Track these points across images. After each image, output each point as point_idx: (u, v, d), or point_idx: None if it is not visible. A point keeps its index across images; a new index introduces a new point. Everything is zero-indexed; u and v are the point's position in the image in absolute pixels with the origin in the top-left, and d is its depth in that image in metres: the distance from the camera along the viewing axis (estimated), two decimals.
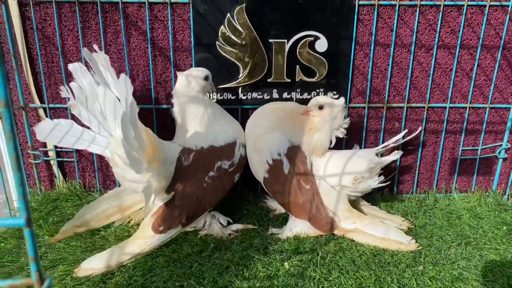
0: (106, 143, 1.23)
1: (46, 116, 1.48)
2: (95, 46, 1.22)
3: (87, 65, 1.20)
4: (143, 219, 1.32)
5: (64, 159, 1.55)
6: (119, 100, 1.14)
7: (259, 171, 1.35)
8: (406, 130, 1.47)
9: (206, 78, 1.30)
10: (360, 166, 1.32)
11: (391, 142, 1.44)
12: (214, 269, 1.16)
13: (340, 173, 1.32)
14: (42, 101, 1.48)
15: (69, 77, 1.33)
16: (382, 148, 1.43)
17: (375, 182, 1.33)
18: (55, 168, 1.55)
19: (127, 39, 1.41)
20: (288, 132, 1.34)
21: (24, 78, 1.45)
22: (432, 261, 1.22)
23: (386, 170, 1.43)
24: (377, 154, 1.41)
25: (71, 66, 1.22)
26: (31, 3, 1.35)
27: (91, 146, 1.23)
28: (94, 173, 1.56)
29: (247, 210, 1.49)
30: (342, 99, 1.33)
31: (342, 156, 1.36)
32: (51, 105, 1.47)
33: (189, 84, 1.28)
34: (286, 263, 1.18)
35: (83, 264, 1.13)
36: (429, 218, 1.45)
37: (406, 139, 1.46)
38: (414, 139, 1.55)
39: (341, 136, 1.36)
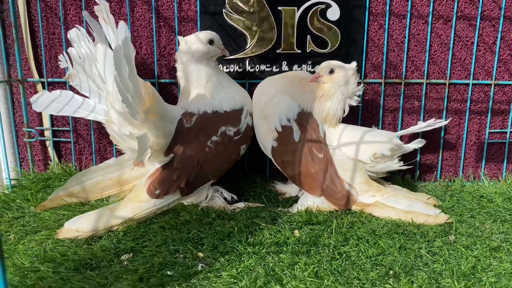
0: (105, 111, 1.16)
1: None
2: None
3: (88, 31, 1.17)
4: None
5: (61, 139, 1.46)
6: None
7: (267, 140, 1.23)
8: (433, 120, 1.34)
9: (210, 41, 1.22)
10: (381, 144, 1.20)
11: (416, 129, 1.31)
12: (214, 236, 1.02)
13: (357, 142, 1.20)
14: (41, 76, 1.41)
15: (66, 52, 1.28)
16: (404, 133, 1.31)
17: (395, 164, 1.20)
18: (50, 150, 1.46)
19: (131, 8, 1.36)
20: (298, 97, 1.23)
21: (24, 52, 1.39)
22: (465, 233, 1.06)
23: (405, 158, 1.30)
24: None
25: (71, 32, 1.18)
26: None
27: (91, 114, 1.18)
28: (91, 156, 1.46)
29: (254, 192, 1.35)
30: (354, 63, 1.24)
31: (359, 128, 1.25)
32: (49, 79, 1.40)
33: (190, 48, 1.21)
34: (296, 231, 1.04)
35: (67, 224, 1.00)
36: (457, 201, 1.30)
37: (431, 128, 1.32)
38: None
39: (354, 104, 1.25)
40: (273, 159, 1.25)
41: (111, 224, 1.03)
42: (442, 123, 1.31)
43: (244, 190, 1.35)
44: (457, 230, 1.07)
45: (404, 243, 1.00)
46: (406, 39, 1.38)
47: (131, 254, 0.94)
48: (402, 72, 1.40)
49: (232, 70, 1.38)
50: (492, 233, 1.07)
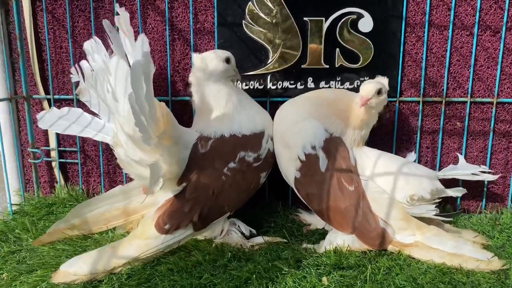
0: (114, 132, 1.05)
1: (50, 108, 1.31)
2: (118, 8, 1.05)
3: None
4: None
5: (68, 161, 1.35)
6: None
7: (289, 170, 1.09)
8: (479, 167, 1.19)
9: (227, 60, 1.10)
10: (421, 183, 1.05)
11: (458, 174, 1.18)
12: (230, 281, 0.89)
13: (394, 173, 1.05)
14: (47, 92, 1.32)
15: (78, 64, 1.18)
16: (445, 176, 1.17)
17: (432, 210, 1.05)
18: (56, 171, 1.35)
19: (143, 20, 1.25)
20: (325, 120, 1.09)
21: (30, 67, 1.30)
22: None
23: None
24: None
25: (87, 44, 1.08)
26: None
27: (99, 134, 1.08)
28: (99, 178, 1.35)
29: (275, 223, 1.21)
30: (385, 78, 1.13)
31: (396, 159, 1.10)
32: (56, 96, 1.30)
33: (207, 66, 1.09)
34: (324, 278, 0.90)
35: (64, 267, 0.89)
36: (508, 237, 1.13)
37: (476, 178, 1.18)
38: (479, 142, 1.27)
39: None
40: (296, 191, 1.11)
41: (114, 265, 0.91)
42: (489, 176, 1.17)
43: (264, 220, 1.22)
44: None
45: None
46: (448, 53, 1.22)
47: None
48: (443, 89, 1.25)
49: (252, 87, 1.25)
50: None
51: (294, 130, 1.09)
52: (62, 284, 0.87)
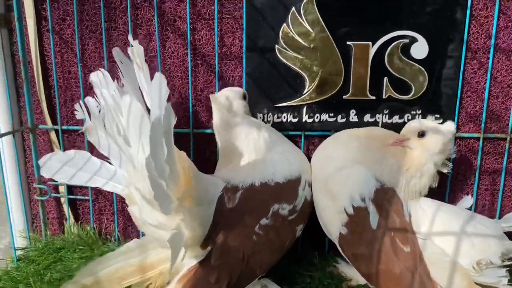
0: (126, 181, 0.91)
1: (58, 140, 1.17)
2: (131, 39, 0.90)
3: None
4: (167, 283, 0.94)
5: (78, 197, 1.22)
6: (149, 113, 0.82)
7: (333, 224, 0.94)
8: None
9: (244, 96, 1.00)
10: (489, 246, 0.88)
11: None
12: None
13: (456, 239, 0.89)
14: (55, 122, 1.18)
15: (89, 91, 1.04)
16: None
17: (504, 277, 0.87)
18: (65, 207, 1.22)
19: (161, 43, 1.10)
20: (376, 167, 0.94)
21: (35, 94, 1.16)
22: None
23: None
24: None
25: (93, 76, 0.93)
26: None
27: (109, 183, 0.93)
28: (112, 216, 1.22)
29: (310, 278, 1.06)
30: (451, 124, 0.93)
31: (457, 212, 0.93)
32: (64, 127, 1.16)
33: (230, 108, 0.96)
34: None
35: None
36: None
37: None
38: None
39: (445, 171, 0.95)
40: (340, 249, 0.96)
41: None
42: None
43: (298, 274, 1.06)
44: None
45: None
46: None
47: None
48: (508, 124, 1.07)
49: (284, 119, 1.09)
50: None
51: (339, 177, 0.93)
52: None
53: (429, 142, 0.92)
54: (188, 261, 0.86)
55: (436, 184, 0.95)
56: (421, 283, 0.86)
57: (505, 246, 0.91)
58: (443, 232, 0.90)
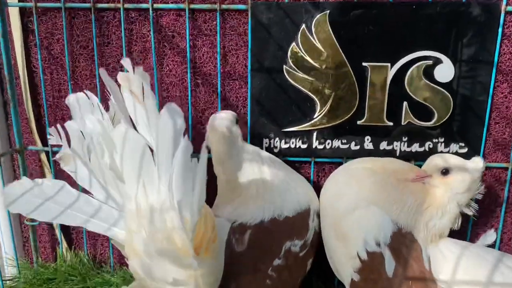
0: (114, 218, 0.80)
1: (49, 163, 1.09)
2: (126, 63, 0.79)
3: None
4: None
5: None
6: (150, 148, 0.71)
7: (344, 268, 0.85)
8: None
9: (237, 121, 0.91)
10: None
11: None
12: None
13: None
14: (45, 143, 1.09)
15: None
16: None
17: None
18: (57, 232, 1.15)
19: (158, 60, 1.00)
20: (393, 208, 0.84)
21: (24, 112, 1.08)
22: None
23: None
24: None
25: (71, 98, 0.82)
26: (34, 10, 0.98)
27: (92, 221, 0.77)
28: (108, 242, 1.14)
29: None
30: (479, 160, 0.83)
31: (481, 259, 0.84)
32: (55, 149, 1.08)
33: (230, 137, 0.88)
34: None
35: None
36: None
37: None
38: None
39: (470, 213, 0.86)
40: None
41: None
42: None
43: None
44: None
45: None
46: None
47: None
48: None
49: (293, 145, 1.00)
50: None
51: (352, 219, 0.84)
52: None
53: (453, 180, 0.83)
54: None
55: (459, 226, 0.85)
56: None
57: None
58: (467, 282, 0.81)
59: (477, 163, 0.82)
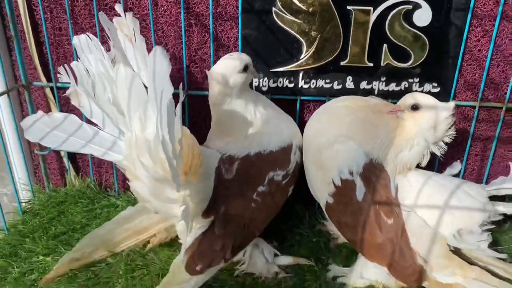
0: (111, 143, 0.90)
1: (54, 98, 1.17)
2: (119, 8, 0.87)
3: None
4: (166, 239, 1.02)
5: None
6: (145, 86, 0.80)
7: (321, 193, 0.98)
8: None
9: (245, 68, 0.94)
10: (471, 216, 0.93)
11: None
12: None
13: (439, 211, 0.93)
14: (49, 79, 1.17)
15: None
16: (498, 189, 1.02)
17: (484, 242, 0.93)
18: (65, 160, 1.26)
19: (153, 1, 1.05)
20: (367, 142, 0.95)
21: (27, 50, 1.14)
22: None
23: None
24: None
25: (75, 39, 0.89)
26: None
27: (90, 146, 0.88)
28: (112, 169, 1.25)
29: (300, 235, 1.12)
30: (451, 104, 0.92)
31: (442, 186, 0.96)
32: (59, 84, 1.16)
33: (226, 85, 0.93)
34: None
35: None
36: None
37: None
38: None
39: (437, 153, 0.96)
40: (327, 215, 1.00)
41: None
42: None
43: (289, 232, 1.13)
44: None
45: None
46: None
47: None
48: (506, 93, 1.06)
49: (280, 84, 1.08)
50: None
51: (330, 151, 0.95)
52: None
53: (421, 116, 0.92)
54: (193, 232, 0.91)
55: (425, 163, 0.96)
56: (401, 252, 0.92)
57: (487, 214, 0.95)
58: (426, 206, 0.94)
59: (447, 104, 0.91)
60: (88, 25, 1.09)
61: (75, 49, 1.00)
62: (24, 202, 1.21)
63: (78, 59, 0.87)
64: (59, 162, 1.28)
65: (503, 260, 0.99)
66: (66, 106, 1.18)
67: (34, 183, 1.28)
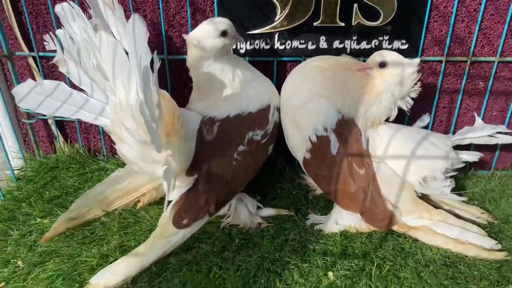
0: (100, 109, 0.96)
1: (38, 67, 1.20)
2: None
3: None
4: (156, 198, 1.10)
5: (64, 118, 1.28)
6: (126, 52, 0.84)
7: (299, 149, 1.05)
8: (503, 128, 1.12)
9: (223, 33, 0.97)
10: (435, 164, 1.01)
11: (474, 137, 1.11)
12: (238, 278, 0.91)
13: (406, 161, 1.01)
14: (31, 49, 1.19)
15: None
16: (460, 141, 1.10)
17: (447, 187, 1.02)
18: (53, 128, 1.30)
19: None
20: (339, 100, 1.01)
21: (6, 20, 1.15)
22: None
23: None
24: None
25: (58, 8, 0.91)
26: None
27: (81, 112, 0.95)
28: (99, 135, 1.30)
29: (281, 189, 1.21)
30: (416, 60, 0.98)
31: (410, 137, 1.04)
32: (41, 54, 1.18)
33: (204, 47, 0.97)
34: (330, 273, 0.92)
35: (93, 280, 0.87)
36: None
37: (493, 142, 1.12)
38: (501, 101, 1.19)
39: (405, 108, 1.04)
40: (305, 170, 1.08)
41: (141, 269, 0.91)
42: (507, 139, 1.11)
43: (271, 187, 1.21)
44: None
45: None
46: (483, 6, 1.07)
47: None
48: (470, 48, 1.12)
49: (257, 46, 1.13)
50: None
51: (305, 110, 1.01)
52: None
53: (388, 73, 0.99)
54: (178, 190, 0.98)
55: (393, 117, 1.03)
56: (372, 199, 1.01)
57: (450, 162, 1.04)
58: (394, 156, 1.02)
59: (412, 60, 0.97)
60: None
61: (57, 18, 1.02)
62: (17, 170, 1.26)
63: (62, 27, 0.90)
64: (47, 130, 1.33)
65: (465, 202, 1.10)
66: (50, 75, 1.21)
67: (25, 152, 1.32)
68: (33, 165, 1.28)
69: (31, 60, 1.21)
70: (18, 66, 1.23)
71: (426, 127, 1.18)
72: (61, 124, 1.31)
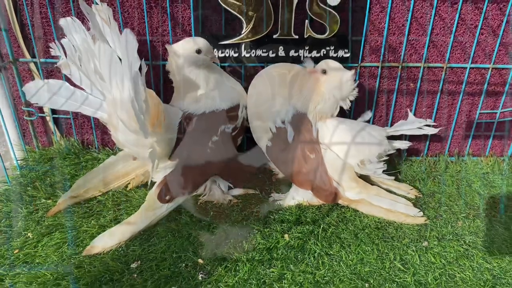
0: (98, 104, 1.17)
1: (38, 71, 1.40)
2: None
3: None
4: (143, 182, 1.30)
5: (60, 116, 1.48)
6: (120, 59, 1.05)
7: (262, 139, 1.28)
8: (430, 122, 1.40)
9: (198, 51, 1.21)
10: (370, 150, 1.26)
11: (405, 129, 1.37)
12: (212, 240, 1.13)
13: (347, 147, 1.26)
14: (33, 55, 1.38)
15: (60, 29, 1.22)
16: (393, 132, 1.35)
17: (380, 169, 1.28)
18: (51, 124, 1.49)
19: None
20: (294, 98, 1.25)
21: (11, 30, 1.34)
22: (438, 235, 1.18)
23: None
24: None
25: (62, 21, 1.12)
26: None
27: (82, 107, 1.16)
28: (91, 130, 1.50)
29: (249, 174, 1.44)
30: (351, 71, 1.24)
31: (351, 128, 1.28)
32: (42, 60, 1.38)
33: (180, 57, 1.21)
34: (286, 235, 1.16)
35: (94, 243, 1.09)
36: (438, 185, 1.40)
37: (421, 132, 1.39)
38: (428, 99, 1.45)
39: (345, 107, 1.29)
40: (267, 156, 1.31)
41: (131, 235, 1.12)
42: (432, 130, 1.37)
43: (240, 171, 1.44)
44: (431, 233, 1.18)
45: (382, 248, 1.12)
46: (408, 22, 1.33)
47: (139, 262, 1.07)
48: (401, 55, 1.38)
49: (227, 55, 1.35)
50: (463, 232, 1.19)
51: (267, 107, 1.25)
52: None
53: (328, 78, 1.24)
54: (162, 172, 1.20)
55: (336, 114, 1.28)
56: (321, 178, 1.25)
57: (383, 148, 1.28)
58: (338, 143, 1.26)
59: (348, 72, 1.23)
60: (65, 8, 1.30)
61: (60, 29, 1.22)
62: (20, 160, 1.45)
63: (65, 36, 1.11)
64: (45, 126, 1.52)
65: (398, 181, 1.35)
66: (49, 78, 1.40)
67: (25, 145, 1.51)
68: (33, 156, 1.47)
69: (32, 65, 1.40)
70: (20, 70, 1.41)
71: (368, 121, 1.43)
72: (58, 121, 1.50)
